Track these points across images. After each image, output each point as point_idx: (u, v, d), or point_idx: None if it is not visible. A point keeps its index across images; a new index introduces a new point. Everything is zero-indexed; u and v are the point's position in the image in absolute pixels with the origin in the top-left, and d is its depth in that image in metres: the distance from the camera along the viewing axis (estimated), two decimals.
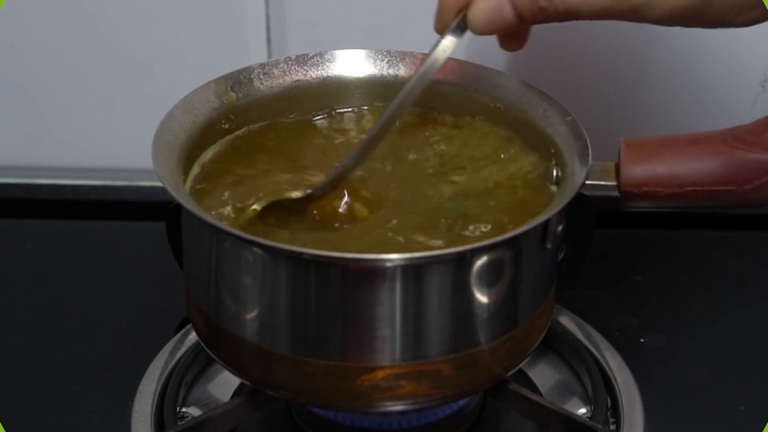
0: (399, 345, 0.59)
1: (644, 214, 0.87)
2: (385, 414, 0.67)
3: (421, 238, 0.62)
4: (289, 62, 0.71)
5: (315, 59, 0.72)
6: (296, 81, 0.71)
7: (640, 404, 0.69)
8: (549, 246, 0.62)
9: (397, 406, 0.62)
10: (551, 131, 0.67)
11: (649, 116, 0.87)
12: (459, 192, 0.66)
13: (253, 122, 0.70)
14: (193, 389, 0.72)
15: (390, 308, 0.59)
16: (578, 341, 0.74)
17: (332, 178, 0.64)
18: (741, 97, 0.86)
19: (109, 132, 0.90)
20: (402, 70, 0.72)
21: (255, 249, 0.59)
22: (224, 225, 0.59)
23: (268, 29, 0.86)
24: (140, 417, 0.68)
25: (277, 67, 0.71)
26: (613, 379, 0.71)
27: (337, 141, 0.70)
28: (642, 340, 0.76)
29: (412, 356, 0.60)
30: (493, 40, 0.67)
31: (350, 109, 0.72)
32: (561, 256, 0.73)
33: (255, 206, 0.63)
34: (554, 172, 0.65)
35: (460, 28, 0.64)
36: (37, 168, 0.93)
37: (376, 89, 0.72)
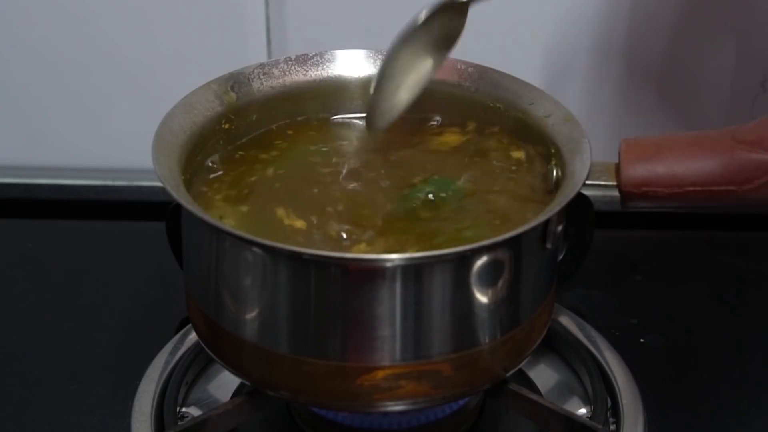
0: (399, 345, 0.59)
1: (644, 214, 0.87)
2: (385, 414, 0.67)
3: None
4: (289, 62, 0.71)
5: (315, 59, 0.72)
6: (296, 81, 0.71)
7: (640, 404, 0.69)
8: (549, 246, 0.62)
9: (397, 406, 0.62)
10: (551, 131, 0.67)
11: (650, 116, 0.87)
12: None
13: (252, 123, 0.70)
14: (193, 389, 0.72)
15: (390, 308, 0.59)
16: (578, 341, 0.74)
17: None
18: (741, 97, 0.86)
19: (109, 132, 0.90)
20: None
21: (255, 249, 0.59)
22: (224, 225, 0.59)
23: (268, 29, 0.86)
24: (140, 417, 0.68)
25: (277, 67, 0.71)
26: (613, 379, 0.71)
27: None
28: (642, 340, 0.76)
29: (412, 356, 0.60)
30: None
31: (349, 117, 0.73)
32: (561, 256, 0.73)
33: None
34: (554, 172, 0.65)
35: None
36: (37, 168, 0.93)
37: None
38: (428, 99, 0.72)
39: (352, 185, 0.66)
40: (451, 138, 0.70)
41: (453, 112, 0.72)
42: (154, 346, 0.73)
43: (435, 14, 0.65)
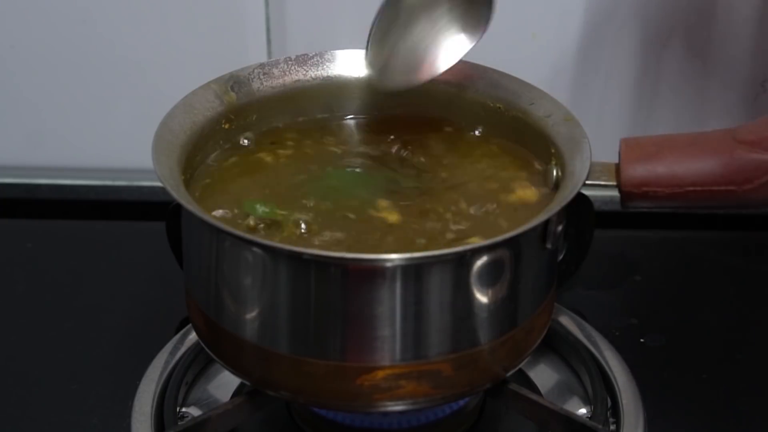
0: (399, 345, 0.59)
1: (644, 214, 0.87)
2: (385, 414, 0.67)
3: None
4: (289, 62, 0.71)
5: (315, 59, 0.72)
6: (296, 81, 0.71)
7: (640, 404, 0.69)
8: (549, 246, 0.62)
9: (397, 406, 0.62)
10: (551, 131, 0.67)
11: (649, 116, 0.87)
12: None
13: (253, 123, 0.70)
14: (193, 389, 0.72)
15: (390, 308, 0.59)
16: (578, 341, 0.74)
17: None
18: (741, 97, 0.86)
19: (109, 132, 0.90)
20: None
21: (255, 249, 0.59)
22: (224, 225, 0.59)
23: (268, 29, 0.86)
24: (140, 417, 0.68)
25: (277, 67, 0.71)
26: (613, 379, 0.71)
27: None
28: (642, 340, 0.76)
29: (412, 356, 0.60)
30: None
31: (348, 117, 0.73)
32: (561, 256, 0.73)
33: None
34: (554, 172, 0.65)
35: None
36: (37, 168, 0.93)
37: (376, 89, 0.72)
38: (428, 99, 0.72)
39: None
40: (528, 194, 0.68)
41: (453, 112, 0.72)
42: (154, 346, 0.73)
43: None
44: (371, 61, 0.69)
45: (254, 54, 0.86)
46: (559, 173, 0.65)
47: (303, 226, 0.62)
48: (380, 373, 0.60)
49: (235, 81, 0.70)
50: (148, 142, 0.63)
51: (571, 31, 0.85)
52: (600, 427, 0.66)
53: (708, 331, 0.78)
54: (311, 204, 0.64)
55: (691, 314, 0.79)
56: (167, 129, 0.65)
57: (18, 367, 0.74)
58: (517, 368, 0.65)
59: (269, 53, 0.87)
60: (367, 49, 0.68)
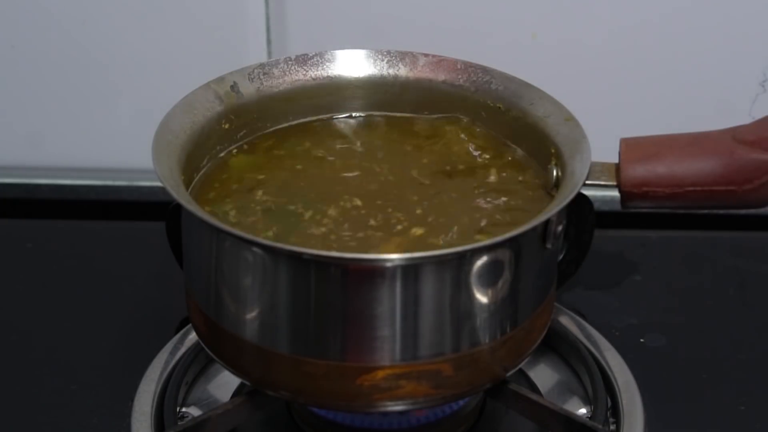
0: (399, 345, 0.59)
1: (644, 214, 0.87)
2: (385, 414, 0.67)
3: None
4: (289, 62, 0.71)
5: (315, 59, 0.72)
6: (296, 81, 0.71)
7: (640, 404, 0.69)
8: (549, 246, 0.62)
9: (397, 406, 0.62)
10: (551, 131, 0.67)
11: (649, 116, 0.87)
12: None
13: (252, 123, 0.70)
14: (193, 389, 0.72)
15: (390, 308, 0.59)
16: (578, 341, 0.74)
17: None
18: (741, 97, 0.86)
19: (109, 132, 0.90)
20: (402, 70, 0.72)
21: (255, 249, 0.59)
22: (224, 225, 0.59)
23: (268, 29, 0.86)
24: (140, 417, 0.68)
25: (277, 67, 0.71)
26: (613, 379, 0.71)
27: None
28: (642, 340, 0.76)
29: (412, 356, 0.60)
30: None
31: (348, 115, 0.73)
32: (561, 257, 0.73)
33: None
34: (554, 172, 0.65)
35: None
36: (37, 168, 0.93)
37: (376, 89, 0.72)
38: (428, 99, 0.72)
39: None
40: None
41: (453, 112, 0.72)
42: (154, 346, 0.73)
43: None
44: None
45: (254, 54, 0.86)
46: (559, 173, 0.65)
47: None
48: (380, 373, 0.60)
49: (235, 81, 0.70)
50: (148, 142, 0.63)
51: (571, 31, 0.85)
52: (600, 427, 0.66)
53: (708, 331, 0.78)
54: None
55: (691, 314, 0.79)
56: (167, 129, 0.65)
57: (18, 367, 0.74)
58: (517, 368, 0.65)
59: (269, 53, 0.87)
60: None
